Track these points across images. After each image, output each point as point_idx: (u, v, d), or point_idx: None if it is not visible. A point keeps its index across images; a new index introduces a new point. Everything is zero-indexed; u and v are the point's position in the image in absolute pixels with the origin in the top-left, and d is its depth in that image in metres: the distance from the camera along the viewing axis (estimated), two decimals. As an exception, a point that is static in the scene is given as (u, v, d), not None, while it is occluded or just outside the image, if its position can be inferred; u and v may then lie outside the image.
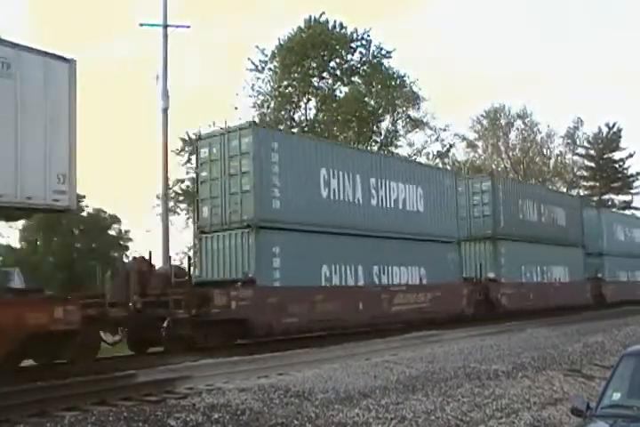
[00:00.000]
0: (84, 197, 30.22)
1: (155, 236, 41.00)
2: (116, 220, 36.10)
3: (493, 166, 52.13)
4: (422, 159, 38.84)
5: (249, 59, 34.58)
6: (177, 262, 25.01)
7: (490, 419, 8.08)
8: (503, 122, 54.45)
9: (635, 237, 36.69)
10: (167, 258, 21.00)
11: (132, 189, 64.74)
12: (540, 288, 25.52)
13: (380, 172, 18.84)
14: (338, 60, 35.71)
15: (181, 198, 34.14)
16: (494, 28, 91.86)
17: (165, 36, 23.94)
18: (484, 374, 10.64)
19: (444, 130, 40.02)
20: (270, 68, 34.86)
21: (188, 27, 25.47)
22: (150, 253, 15.31)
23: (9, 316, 10.39)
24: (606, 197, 57.36)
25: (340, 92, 36.06)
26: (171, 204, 31.00)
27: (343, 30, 35.29)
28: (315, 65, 35.06)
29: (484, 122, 54.15)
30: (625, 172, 59.24)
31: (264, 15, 75.45)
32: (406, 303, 19.07)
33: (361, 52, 35.97)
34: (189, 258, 16.66)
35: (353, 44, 35.65)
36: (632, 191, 58.79)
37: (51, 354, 11.96)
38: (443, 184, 21.40)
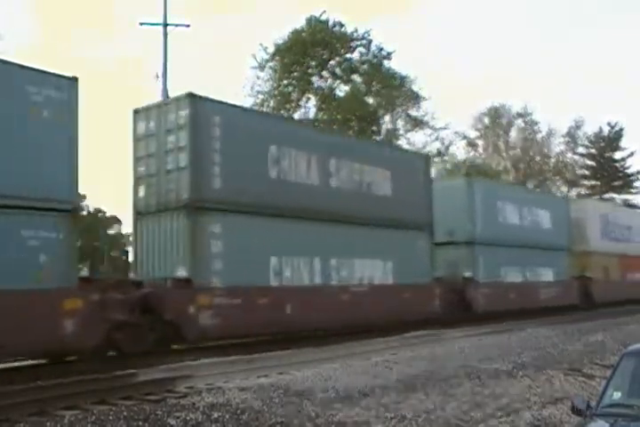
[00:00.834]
0: (84, 197, 30.32)
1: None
2: (115, 221, 36.10)
3: (493, 166, 52.12)
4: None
5: (253, 56, 34.58)
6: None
7: (490, 418, 8.05)
8: (504, 121, 54.46)
9: (539, 221, 25.71)
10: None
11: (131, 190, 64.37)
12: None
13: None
14: (337, 59, 35.73)
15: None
16: (494, 28, 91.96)
17: (165, 35, 24.04)
18: (484, 374, 10.62)
19: (444, 128, 40.12)
20: (270, 67, 34.88)
21: (188, 26, 25.65)
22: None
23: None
24: (607, 196, 57.30)
25: (340, 91, 36.12)
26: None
27: (343, 28, 35.34)
28: (314, 64, 35.05)
29: (486, 120, 54.16)
30: (626, 171, 59.24)
31: (264, 15, 75.46)
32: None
33: (361, 52, 36.03)
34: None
35: (353, 44, 35.69)
36: (633, 191, 58.83)
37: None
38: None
